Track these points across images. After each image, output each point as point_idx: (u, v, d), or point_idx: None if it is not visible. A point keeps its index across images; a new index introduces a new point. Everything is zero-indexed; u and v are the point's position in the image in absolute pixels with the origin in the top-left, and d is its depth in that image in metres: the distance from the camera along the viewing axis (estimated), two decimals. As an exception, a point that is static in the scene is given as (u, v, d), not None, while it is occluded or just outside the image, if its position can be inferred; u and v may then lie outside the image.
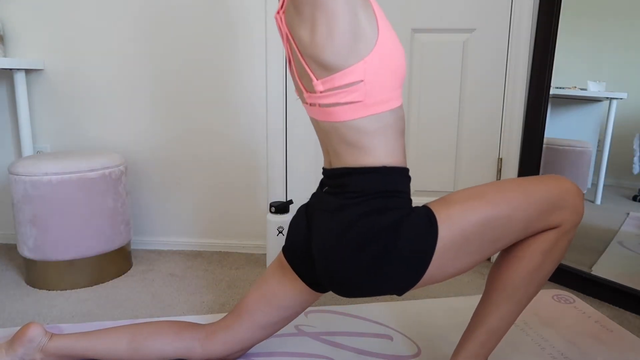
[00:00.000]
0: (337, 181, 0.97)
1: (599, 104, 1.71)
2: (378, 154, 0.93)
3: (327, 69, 0.90)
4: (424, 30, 1.88)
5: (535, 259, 1.01)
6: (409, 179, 0.99)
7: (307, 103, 0.99)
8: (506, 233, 0.96)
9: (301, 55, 0.93)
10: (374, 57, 0.89)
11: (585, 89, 1.74)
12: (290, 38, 0.95)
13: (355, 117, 0.92)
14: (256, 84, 1.96)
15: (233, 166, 2.04)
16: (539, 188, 0.98)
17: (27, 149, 1.95)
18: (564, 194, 0.99)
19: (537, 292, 1.05)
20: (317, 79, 0.92)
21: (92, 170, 1.68)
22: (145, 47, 1.96)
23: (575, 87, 1.77)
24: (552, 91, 1.81)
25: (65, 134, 2.06)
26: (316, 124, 1.00)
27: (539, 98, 1.81)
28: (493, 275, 1.07)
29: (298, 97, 1.02)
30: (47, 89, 2.03)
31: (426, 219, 0.94)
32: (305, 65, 0.93)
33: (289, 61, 1.01)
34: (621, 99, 1.64)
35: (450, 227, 0.93)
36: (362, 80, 0.89)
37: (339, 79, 0.89)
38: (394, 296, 1.65)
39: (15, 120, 2.09)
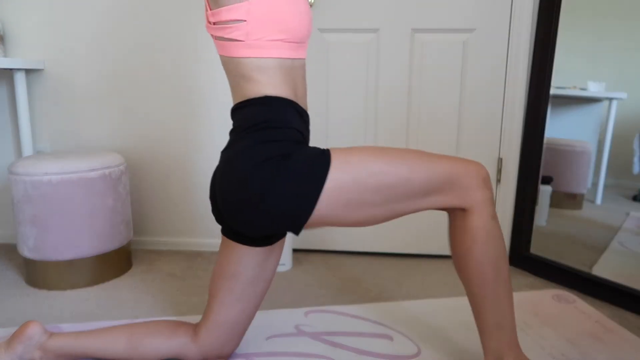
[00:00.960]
0: (233, 118, 1.01)
1: (599, 104, 1.71)
2: (263, 86, 0.96)
3: (216, 1, 0.95)
4: (424, 30, 1.88)
5: (475, 250, 1.02)
6: (300, 114, 1.00)
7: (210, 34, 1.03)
8: (404, 195, 0.97)
9: None
10: (260, 1, 0.93)
11: (585, 89, 1.74)
12: None
13: (239, 55, 0.96)
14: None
15: (233, 166, 2.04)
16: (444, 162, 1.00)
17: (27, 149, 1.95)
18: (465, 174, 1.00)
19: (503, 273, 1.05)
20: (210, 10, 0.97)
21: (92, 170, 1.68)
22: (145, 47, 1.97)
23: (575, 87, 1.77)
24: (552, 91, 1.81)
25: (65, 134, 2.06)
26: (220, 58, 1.04)
27: (539, 98, 1.81)
28: (460, 278, 1.09)
29: None
30: (47, 89, 2.03)
31: (319, 154, 0.95)
32: None
33: None
34: (621, 99, 1.64)
35: (344, 170, 0.94)
36: (244, 20, 0.93)
37: (224, 13, 0.94)
38: (394, 296, 1.65)
39: (15, 120, 2.09)
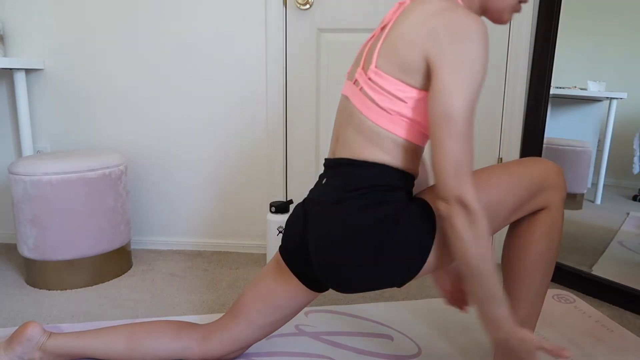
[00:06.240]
0: (337, 171, 0.98)
1: (599, 104, 1.71)
2: (387, 155, 0.94)
3: (390, 66, 0.91)
4: (424, 30, 1.88)
5: (540, 245, 1.05)
6: (412, 182, 1.00)
7: (353, 80, 0.99)
8: (498, 218, 0.99)
9: (385, 37, 0.94)
10: (424, 97, 0.91)
11: (585, 89, 1.74)
12: (391, 20, 0.96)
13: (379, 124, 0.93)
14: (256, 85, 1.96)
15: (233, 166, 2.04)
16: (523, 172, 1.02)
17: (27, 149, 1.96)
18: (546, 175, 1.03)
19: (551, 272, 1.08)
20: (375, 67, 0.93)
21: (92, 170, 1.67)
22: (145, 47, 1.97)
23: (575, 87, 1.77)
24: (552, 91, 1.81)
25: (65, 134, 2.06)
26: (345, 103, 1.01)
27: (539, 98, 1.81)
28: (506, 272, 1.10)
29: (347, 74, 1.05)
30: (47, 89, 2.03)
31: (424, 210, 0.95)
32: (380, 46, 0.94)
33: (373, 35, 1.03)
34: (621, 99, 1.64)
35: None
36: (405, 102, 0.91)
37: (390, 83, 0.91)
38: (395, 296, 1.65)
39: (15, 120, 2.09)
